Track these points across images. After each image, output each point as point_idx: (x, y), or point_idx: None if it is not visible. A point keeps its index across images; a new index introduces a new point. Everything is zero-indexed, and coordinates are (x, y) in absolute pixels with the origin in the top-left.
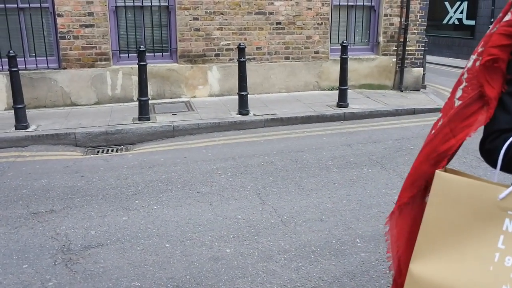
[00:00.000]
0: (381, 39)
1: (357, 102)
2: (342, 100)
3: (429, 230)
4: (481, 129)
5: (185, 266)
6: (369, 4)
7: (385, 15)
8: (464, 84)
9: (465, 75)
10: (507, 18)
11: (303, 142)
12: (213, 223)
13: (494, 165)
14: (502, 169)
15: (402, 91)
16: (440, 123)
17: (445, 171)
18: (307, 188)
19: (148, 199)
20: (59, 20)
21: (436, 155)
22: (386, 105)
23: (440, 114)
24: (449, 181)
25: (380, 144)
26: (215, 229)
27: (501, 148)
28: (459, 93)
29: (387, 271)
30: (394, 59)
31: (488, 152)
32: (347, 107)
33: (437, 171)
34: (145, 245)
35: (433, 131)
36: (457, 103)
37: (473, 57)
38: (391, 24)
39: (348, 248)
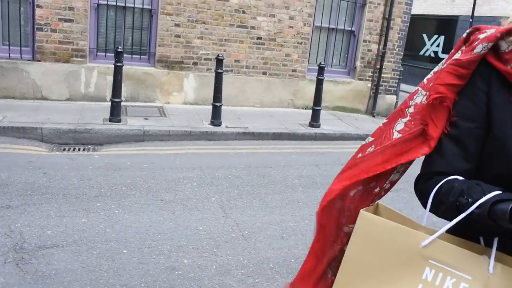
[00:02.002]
0: (358, 63)
1: (329, 123)
2: (315, 120)
3: (349, 271)
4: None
5: (140, 274)
6: (350, 28)
7: (364, 41)
8: (407, 118)
9: (411, 109)
10: (457, 56)
11: (272, 158)
12: (174, 233)
13: (425, 206)
14: (431, 211)
15: (374, 116)
16: (370, 149)
17: (376, 207)
18: (271, 204)
19: (110, 202)
20: (38, 11)
21: (364, 183)
22: (358, 128)
23: (370, 138)
24: (372, 222)
25: None
26: (174, 238)
27: (432, 190)
28: (400, 125)
29: None
30: (369, 85)
31: (420, 192)
32: (319, 127)
33: (361, 210)
34: (102, 250)
35: (360, 155)
36: (396, 135)
37: (421, 90)
38: (369, 50)
39: None
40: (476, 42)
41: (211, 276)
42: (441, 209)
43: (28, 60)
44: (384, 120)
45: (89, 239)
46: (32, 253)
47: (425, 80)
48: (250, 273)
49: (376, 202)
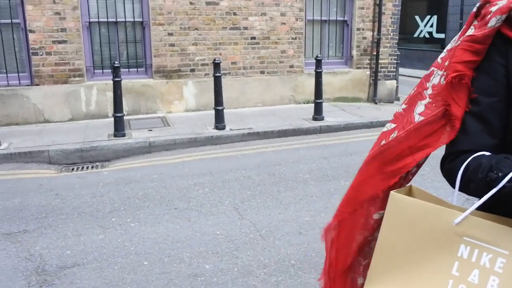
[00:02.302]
0: (354, 52)
1: (332, 115)
2: (318, 113)
3: (383, 254)
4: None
5: (164, 283)
6: (342, 18)
7: (358, 29)
8: (427, 100)
9: (429, 90)
10: (470, 32)
11: (280, 156)
12: (192, 239)
13: (453, 186)
14: (460, 190)
15: (376, 103)
16: (394, 134)
17: (407, 189)
18: (285, 201)
19: (125, 216)
20: (31, 36)
21: (389, 171)
22: (361, 117)
23: (391, 125)
24: (404, 203)
25: (357, 156)
26: (193, 245)
27: (460, 169)
28: (420, 108)
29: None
30: (368, 72)
31: (447, 172)
32: (323, 120)
33: (392, 192)
34: (123, 264)
35: (384, 142)
36: (418, 118)
37: (437, 70)
38: (364, 38)
39: None
40: (489, 16)
41: (234, 279)
42: (471, 187)
43: (27, 85)
44: (403, 106)
45: (108, 255)
46: (54, 274)
47: (439, 60)
48: (272, 272)
49: (408, 185)
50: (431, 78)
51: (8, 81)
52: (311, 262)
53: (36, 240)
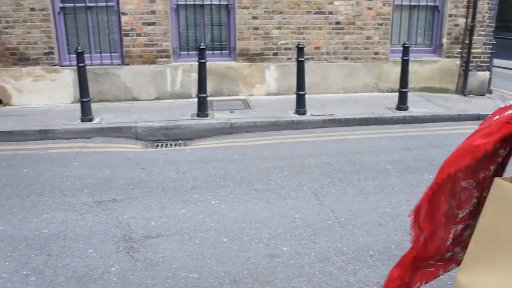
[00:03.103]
0: (444, 40)
1: (417, 105)
2: (402, 103)
3: (482, 241)
4: None
5: (242, 261)
6: (433, 4)
7: (450, 15)
8: None
9: None
10: None
11: (361, 144)
12: (270, 221)
13: None
14: None
15: (465, 95)
16: (510, 111)
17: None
18: (365, 191)
19: (206, 193)
20: (123, 18)
21: (489, 139)
22: (448, 109)
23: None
24: (509, 191)
25: (442, 149)
26: (272, 226)
27: None
28: None
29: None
30: (458, 62)
31: None
32: (407, 110)
33: (496, 178)
34: (203, 239)
35: (497, 117)
36: None
37: None
38: (456, 25)
39: None
40: None
41: (311, 263)
42: None
43: (118, 65)
44: None
45: (190, 229)
46: (140, 242)
47: None
48: (350, 260)
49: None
50: None
51: (101, 60)
52: (391, 254)
53: (124, 210)
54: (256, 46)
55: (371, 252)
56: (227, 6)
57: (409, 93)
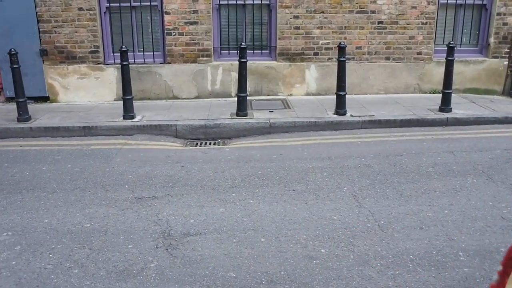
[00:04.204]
0: (491, 40)
1: (461, 107)
2: (445, 105)
3: None
4: None
5: (279, 262)
6: (480, 2)
7: (498, 14)
8: None
9: None
10: None
11: (402, 146)
12: (308, 222)
13: None
14: None
15: None
16: None
17: None
18: (406, 194)
19: (244, 193)
20: (166, 18)
21: None
22: (494, 111)
23: None
24: None
25: (487, 153)
26: (310, 228)
27: None
28: None
29: None
30: (506, 62)
31: None
32: (450, 111)
33: None
34: (241, 238)
35: None
36: None
37: None
38: (505, 24)
39: (450, 261)
40: None
41: (350, 266)
42: None
43: (160, 63)
44: None
45: (228, 228)
46: (179, 240)
47: None
48: (389, 264)
49: None
50: None
51: (144, 59)
52: (432, 259)
53: (163, 207)
54: (297, 46)
55: (411, 256)
56: (268, 5)
57: (452, 95)
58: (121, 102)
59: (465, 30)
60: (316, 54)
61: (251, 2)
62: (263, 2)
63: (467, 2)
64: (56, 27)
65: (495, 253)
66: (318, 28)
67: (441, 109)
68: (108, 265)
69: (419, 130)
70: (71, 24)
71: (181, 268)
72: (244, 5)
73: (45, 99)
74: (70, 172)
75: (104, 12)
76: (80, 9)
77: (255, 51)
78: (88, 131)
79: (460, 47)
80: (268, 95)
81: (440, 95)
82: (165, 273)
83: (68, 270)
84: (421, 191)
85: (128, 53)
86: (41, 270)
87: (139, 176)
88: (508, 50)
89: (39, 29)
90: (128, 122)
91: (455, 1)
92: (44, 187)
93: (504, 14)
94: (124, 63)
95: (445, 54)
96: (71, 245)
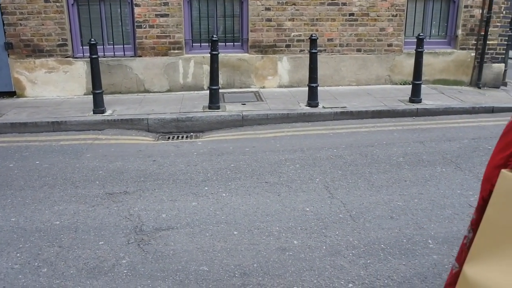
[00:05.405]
0: (459, 32)
1: (430, 97)
2: (415, 95)
3: (488, 232)
4: None
5: (252, 254)
6: None
7: (466, 6)
8: None
9: None
10: None
11: (373, 137)
12: (281, 214)
13: None
14: None
15: (480, 87)
16: None
17: None
18: (377, 184)
19: (217, 186)
20: (136, 10)
21: (508, 153)
22: (462, 102)
23: None
24: None
25: (455, 142)
26: (282, 219)
27: None
28: None
29: None
30: (473, 54)
31: None
32: (420, 102)
33: (502, 170)
34: (214, 231)
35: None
36: None
37: None
38: (472, 16)
39: (420, 248)
40: None
41: (322, 257)
42: None
43: (131, 57)
44: None
45: (201, 222)
46: (151, 235)
47: None
48: (361, 254)
49: None
50: None
51: (114, 52)
52: (402, 248)
53: (135, 202)
54: (269, 38)
55: (382, 245)
56: None
57: (422, 86)
58: (91, 96)
59: (434, 22)
60: (288, 46)
61: None
62: None
63: None
64: (21, 20)
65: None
66: (289, 20)
67: (411, 100)
68: (78, 262)
69: (390, 120)
70: (37, 17)
71: (153, 263)
72: None
73: (11, 94)
74: (39, 169)
75: (72, 4)
76: (46, 1)
77: (227, 43)
78: (57, 126)
79: (429, 39)
80: (240, 88)
81: (410, 86)
82: (137, 269)
83: (37, 269)
84: (391, 181)
85: (98, 46)
86: (8, 270)
87: (110, 172)
88: (475, 42)
89: (3, 21)
90: (99, 117)
91: None
92: (11, 184)
93: (471, 7)
94: (94, 56)
95: (415, 46)
96: (39, 243)
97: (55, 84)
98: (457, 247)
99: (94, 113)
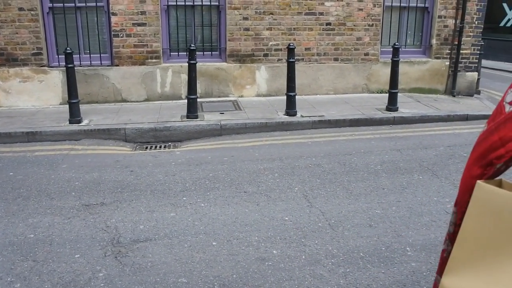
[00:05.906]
0: (434, 41)
1: (407, 106)
2: (392, 104)
3: (465, 244)
4: None
5: (231, 265)
6: (423, 5)
7: (439, 16)
8: None
9: None
10: None
11: (351, 145)
12: (260, 224)
13: None
14: None
15: (454, 96)
16: (485, 127)
17: (497, 182)
18: (356, 192)
19: (195, 196)
20: (113, 19)
21: (484, 163)
22: (438, 110)
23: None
24: (491, 194)
25: (431, 150)
26: (262, 229)
27: None
28: (510, 96)
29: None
30: (447, 63)
31: None
32: (397, 111)
33: (478, 181)
34: (192, 242)
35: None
36: (508, 108)
37: None
38: (445, 26)
39: (398, 256)
40: None
41: (302, 266)
42: None
43: (108, 66)
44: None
45: (179, 232)
46: (128, 247)
47: None
48: (340, 263)
49: (498, 178)
50: None
51: (91, 61)
52: (381, 256)
53: (112, 213)
54: (247, 47)
55: (361, 254)
56: (217, 6)
57: (399, 94)
58: (67, 106)
59: (409, 32)
60: (266, 55)
61: (200, 3)
62: (212, 3)
63: (410, 4)
64: None
65: (440, 247)
66: (267, 29)
67: (388, 108)
68: (53, 277)
69: (368, 129)
70: (11, 25)
71: (130, 276)
72: (193, 6)
73: None
74: (12, 180)
75: (47, 13)
76: (20, 9)
77: (205, 52)
78: (32, 136)
79: (405, 48)
80: (218, 97)
81: (387, 94)
82: (114, 282)
83: (10, 285)
84: (370, 189)
85: (74, 55)
86: None
87: (87, 183)
88: (449, 51)
89: None
90: (75, 127)
91: (399, 4)
92: None
93: (445, 17)
94: (69, 65)
95: (391, 55)
96: (12, 257)
97: (30, 94)
98: (435, 253)
99: (70, 123)
